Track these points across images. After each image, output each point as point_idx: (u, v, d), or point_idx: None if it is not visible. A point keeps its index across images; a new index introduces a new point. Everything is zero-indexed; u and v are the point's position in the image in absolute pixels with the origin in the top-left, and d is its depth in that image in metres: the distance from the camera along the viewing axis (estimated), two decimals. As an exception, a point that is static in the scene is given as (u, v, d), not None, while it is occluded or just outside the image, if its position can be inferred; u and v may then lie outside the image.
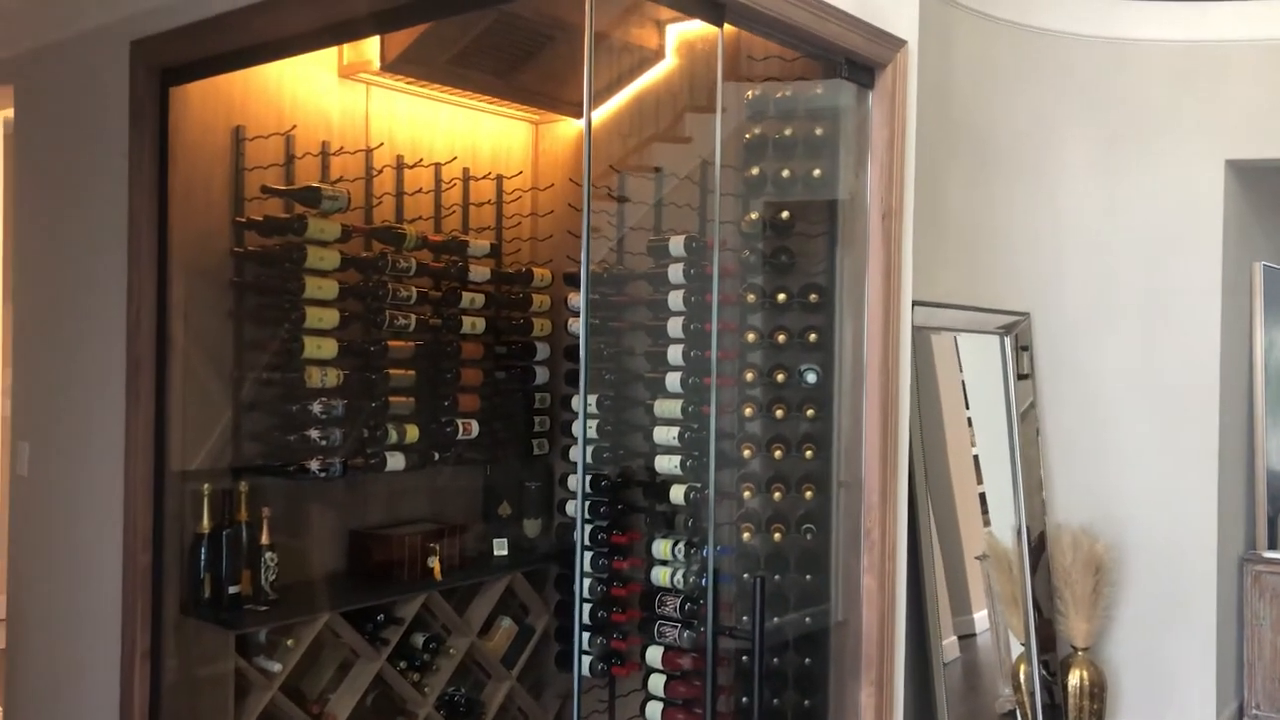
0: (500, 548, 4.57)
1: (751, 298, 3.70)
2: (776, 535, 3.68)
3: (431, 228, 4.36)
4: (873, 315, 3.44)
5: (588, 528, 4.40)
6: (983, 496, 5.58)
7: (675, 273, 4.12)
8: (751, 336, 3.71)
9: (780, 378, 3.70)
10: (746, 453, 3.70)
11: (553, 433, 4.69)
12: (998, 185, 5.26)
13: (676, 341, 4.12)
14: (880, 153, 3.44)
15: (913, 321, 3.81)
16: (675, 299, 4.12)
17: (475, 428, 4.33)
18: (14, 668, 4.20)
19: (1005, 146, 5.29)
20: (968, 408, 5.17)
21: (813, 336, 3.67)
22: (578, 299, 4.43)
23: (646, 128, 4.43)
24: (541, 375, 4.64)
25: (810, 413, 3.67)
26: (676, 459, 4.09)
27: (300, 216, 3.75)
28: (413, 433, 4.10)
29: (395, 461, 4.04)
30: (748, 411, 3.68)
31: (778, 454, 3.66)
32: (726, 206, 4.16)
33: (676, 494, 4.09)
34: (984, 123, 5.17)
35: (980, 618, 5.52)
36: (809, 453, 3.66)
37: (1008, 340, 5.15)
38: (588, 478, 4.42)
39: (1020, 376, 5.19)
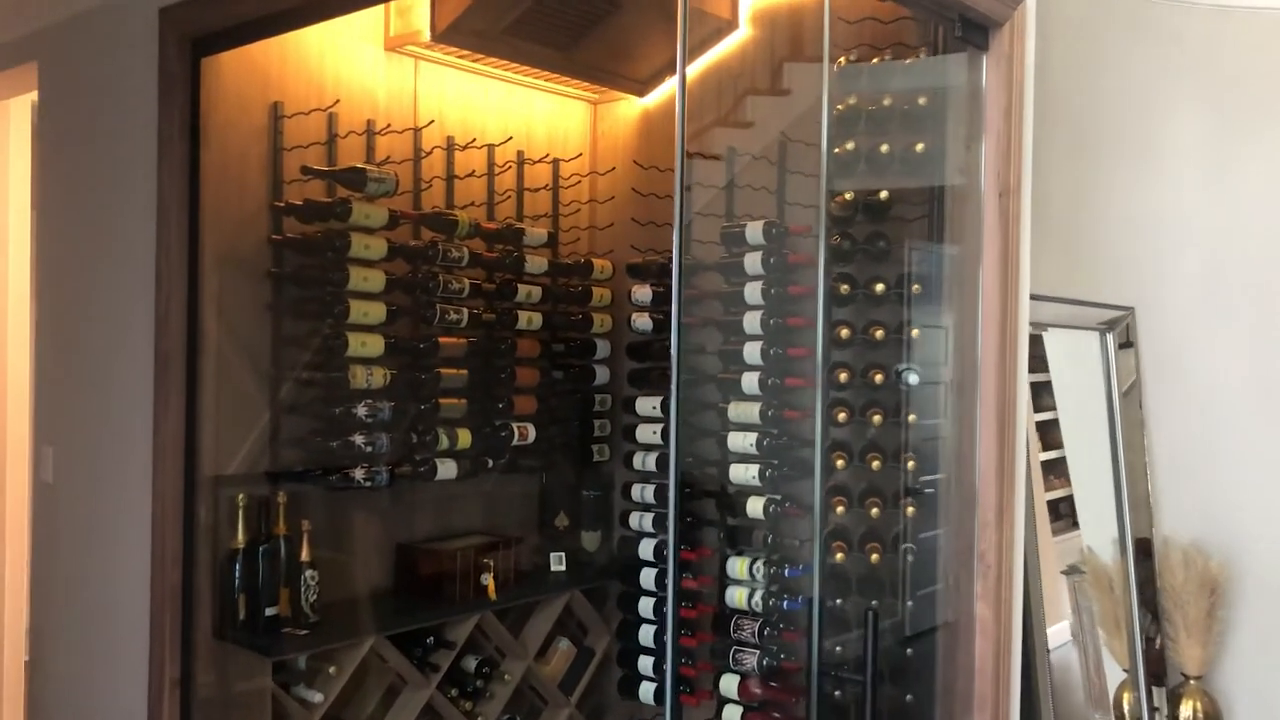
0: (557, 562, 4.21)
1: (845, 288, 3.31)
2: (874, 556, 3.28)
3: (484, 215, 4.01)
4: (987, 308, 3.03)
5: (650, 542, 4.04)
6: (1053, 505, 5.14)
7: (752, 262, 3.73)
8: (845, 332, 3.31)
9: (877, 378, 3.31)
10: (839, 462, 3.31)
11: (613, 438, 4.32)
12: (1099, 167, 4.81)
13: (754, 338, 3.74)
14: (996, 122, 3.03)
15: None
16: (752, 291, 3.74)
17: (531, 432, 3.97)
18: (38, 686, 3.90)
19: (1106, 124, 4.84)
20: (1047, 409, 4.75)
21: (915, 332, 3.27)
22: (643, 292, 4.06)
23: (721, 102, 4.05)
24: (601, 375, 4.27)
25: (912, 418, 3.27)
26: (754, 468, 3.71)
27: (344, 200, 3.41)
28: (465, 438, 3.75)
29: (446, 469, 3.69)
30: (841, 416, 3.29)
31: (875, 464, 3.26)
32: (808, 188, 3.78)
33: (754, 507, 3.71)
34: (1083, 97, 4.73)
35: (1055, 632, 5.08)
36: (910, 463, 3.26)
37: (1110, 337, 4.71)
38: (652, 488, 4.05)
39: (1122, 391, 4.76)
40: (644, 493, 4.06)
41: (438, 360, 3.68)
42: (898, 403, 3.34)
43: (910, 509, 3.27)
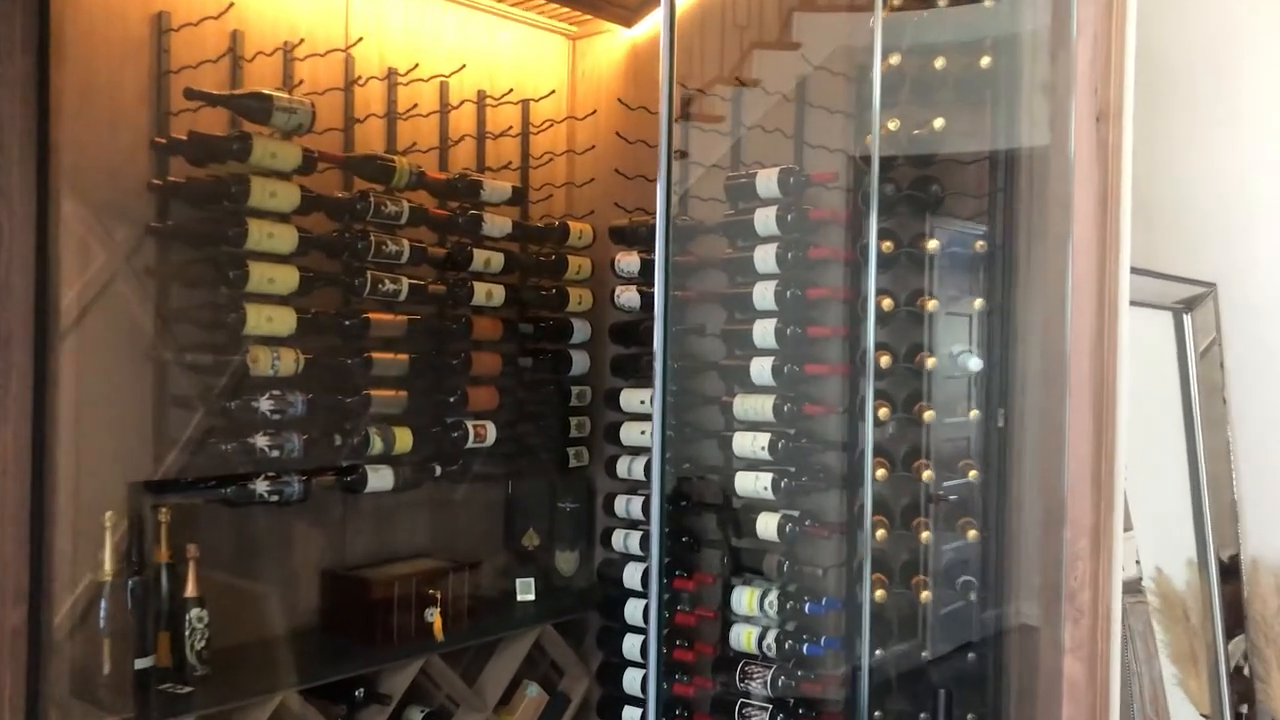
0: (525, 590, 3.46)
1: (888, 246, 2.56)
2: (923, 594, 2.54)
3: (435, 163, 3.25)
4: (1080, 272, 2.29)
5: (637, 567, 3.29)
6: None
7: (764, 220, 2.99)
8: (887, 303, 2.56)
9: (929, 363, 2.56)
10: (879, 472, 2.56)
11: (594, 439, 3.57)
12: (1174, 120, 4.03)
13: (766, 315, 3.00)
14: (1091, 23, 2.29)
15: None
16: (764, 256, 2.99)
17: (491, 432, 3.22)
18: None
19: (1182, 70, 4.05)
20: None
21: (977, 304, 2.52)
22: (629, 260, 3.31)
23: (725, 55, 3.31)
24: (579, 363, 3.52)
25: (973, 415, 2.52)
26: (765, 478, 2.96)
27: (243, 134, 2.66)
28: (404, 439, 2.99)
29: (379, 478, 2.94)
30: (882, 413, 2.54)
31: (925, 475, 2.51)
32: (834, 128, 3.03)
33: (765, 525, 2.97)
34: (1155, 39, 3.94)
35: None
36: (971, 473, 2.52)
37: (1188, 319, 3.95)
38: (640, 500, 3.30)
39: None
40: (630, 506, 3.31)
41: (369, 342, 2.93)
42: (953, 396, 2.59)
43: (971, 532, 2.53)
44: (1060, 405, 2.30)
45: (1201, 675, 4.09)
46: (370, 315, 2.92)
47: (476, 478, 3.28)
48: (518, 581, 3.46)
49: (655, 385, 1.44)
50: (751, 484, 3.01)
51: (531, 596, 3.45)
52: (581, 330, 3.50)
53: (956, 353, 2.60)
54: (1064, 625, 2.32)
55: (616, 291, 3.33)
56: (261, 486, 2.69)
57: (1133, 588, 4.28)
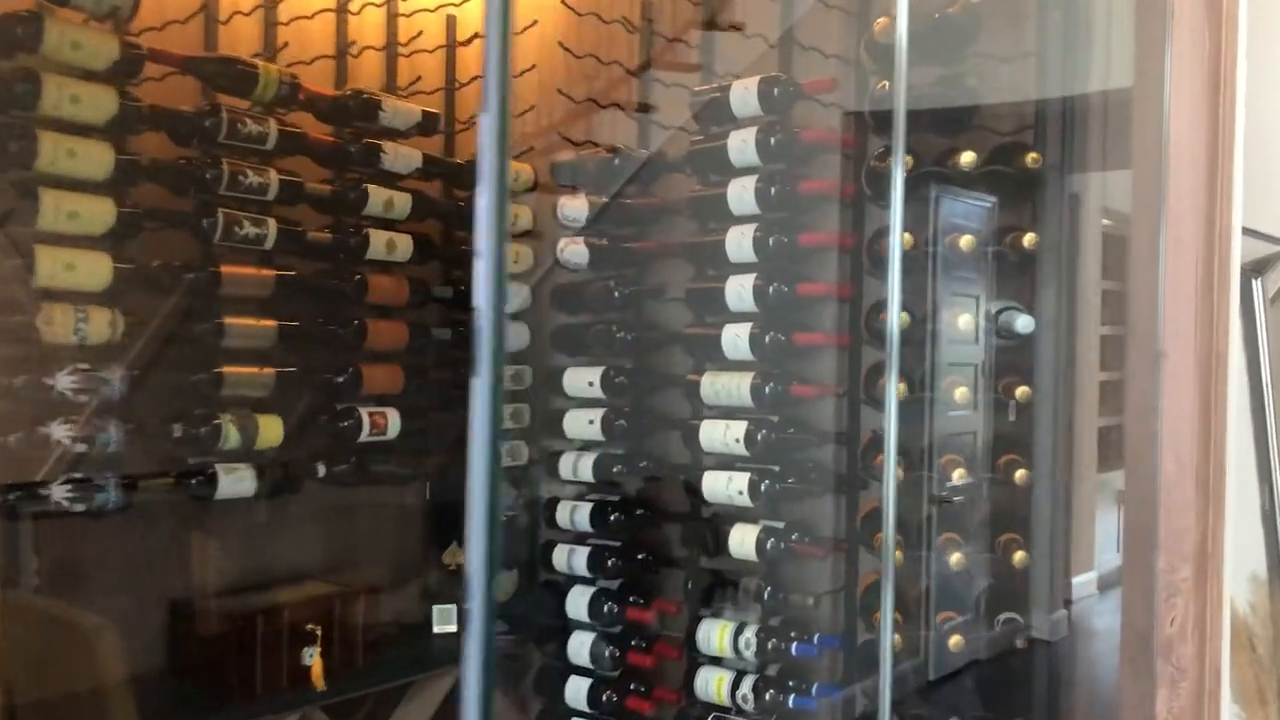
0: (445, 620, 2.78)
1: (908, 160, 1.86)
2: (952, 639, 1.85)
3: (321, 77, 2.56)
4: (1180, 231, 1.60)
5: (584, 592, 2.60)
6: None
7: (741, 147, 2.30)
8: (907, 237, 1.87)
9: (960, 323, 1.87)
10: (900, 472, 1.87)
11: (534, 430, 2.87)
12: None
13: (743, 269, 2.31)
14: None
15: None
16: (740, 194, 2.30)
17: (394, 421, 2.53)
18: None
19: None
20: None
21: (1026, 240, 1.84)
22: (575, 205, 2.62)
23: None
24: (517, 336, 2.83)
25: (1019, 393, 1.83)
26: (740, 479, 2.29)
27: (32, 14, 1.97)
28: (271, 430, 2.30)
29: (236, 482, 2.25)
30: (899, 391, 1.85)
31: (957, 474, 1.83)
32: (829, 25, 2.35)
33: (741, 540, 2.30)
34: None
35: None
36: (1018, 473, 1.83)
37: (1258, 285, 3.27)
38: (587, 508, 2.62)
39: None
40: (575, 516, 2.62)
41: (219, 303, 2.24)
42: (997, 371, 1.91)
43: (1016, 553, 1.83)
44: (1148, 389, 1.61)
45: (1271, 717, 3.37)
46: (222, 267, 2.23)
47: (380, 479, 2.59)
48: (436, 609, 2.77)
49: (479, 378, 0.73)
50: (723, 487, 2.32)
51: (453, 628, 2.77)
52: (518, 295, 2.81)
53: (1000, 311, 1.91)
54: (1157, 682, 1.63)
55: (560, 245, 2.64)
56: (60, 492, 2.00)
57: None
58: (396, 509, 2.83)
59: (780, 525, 2.31)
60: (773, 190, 2.26)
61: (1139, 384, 1.60)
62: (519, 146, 2.88)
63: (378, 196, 2.49)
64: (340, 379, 2.46)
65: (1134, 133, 1.68)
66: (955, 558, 1.79)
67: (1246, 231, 3.12)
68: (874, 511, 2.03)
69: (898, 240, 1.51)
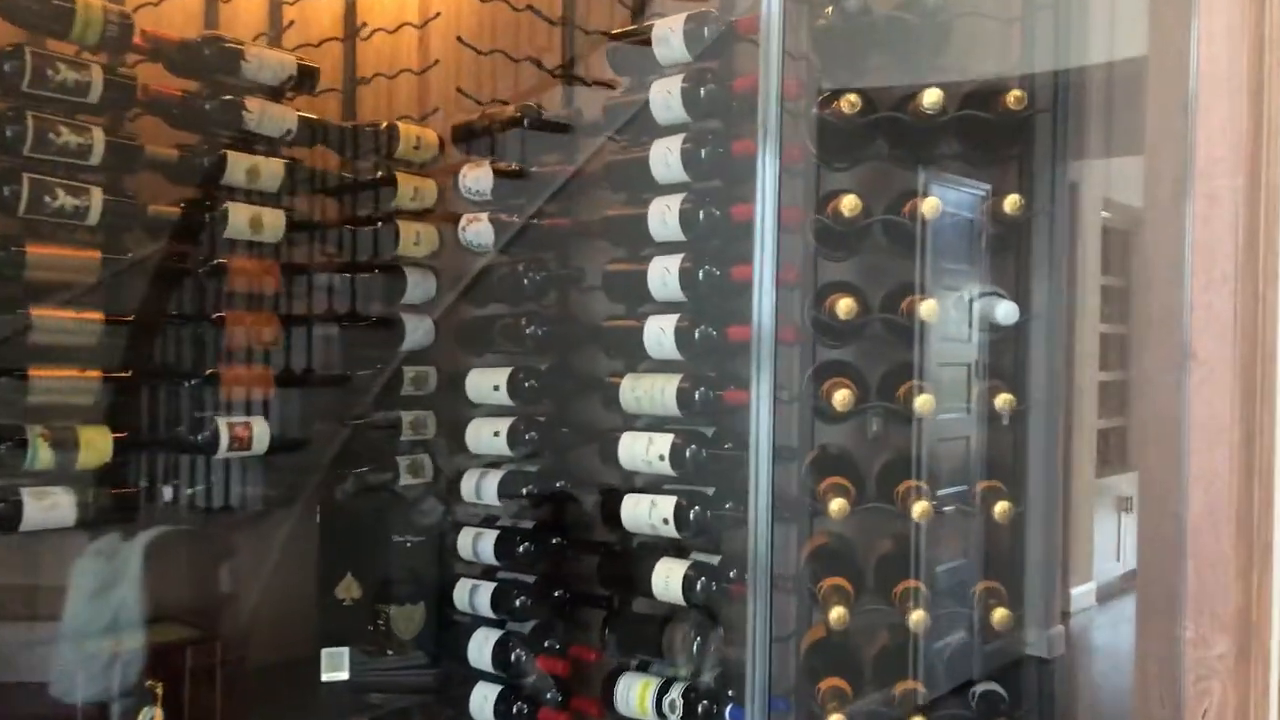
0: (335, 666, 2.36)
1: (850, 102, 1.44)
2: (914, 723, 1.43)
3: (195, 22, 2.15)
4: (1213, 207, 1.19)
5: (489, 635, 2.19)
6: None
7: (664, 99, 1.89)
8: (849, 205, 1.46)
9: (923, 311, 1.46)
10: (833, 504, 1.45)
11: (440, 443, 2.46)
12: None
13: (669, 249, 1.91)
14: None
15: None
16: (664, 157, 1.89)
17: (260, 433, 2.12)
18: None
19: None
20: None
21: (1009, 204, 1.42)
22: (478, 175, 2.20)
23: None
24: (418, 331, 2.41)
25: (1001, 401, 1.42)
26: (665, 505, 1.88)
27: None
28: (96, 446, 1.89)
29: (46, 510, 1.84)
30: (839, 398, 1.44)
31: (917, 509, 1.41)
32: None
33: (666, 578, 1.89)
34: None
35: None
36: (999, 506, 1.41)
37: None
38: (492, 537, 2.21)
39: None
40: (479, 546, 2.20)
41: (19, 290, 1.83)
42: (975, 373, 1.50)
43: (996, 610, 1.42)
44: (1168, 401, 1.19)
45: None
46: (29, 247, 1.82)
47: (242, 504, 2.18)
48: (325, 654, 2.36)
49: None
50: (645, 514, 1.91)
51: (344, 675, 2.36)
52: (420, 283, 2.40)
53: (975, 296, 1.50)
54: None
55: (462, 223, 2.22)
56: None
57: None
58: (281, 538, 2.43)
59: (714, 561, 1.91)
60: (702, 152, 1.84)
61: (1155, 395, 1.19)
62: (423, 110, 2.47)
63: (237, 164, 2.08)
64: (191, 383, 2.05)
65: (1151, 62, 1.27)
66: (916, 616, 1.38)
67: None
68: (822, 549, 1.61)
69: (772, 210, 1.08)
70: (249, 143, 2.12)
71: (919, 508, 1.38)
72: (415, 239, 2.38)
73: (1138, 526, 1.21)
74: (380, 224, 2.36)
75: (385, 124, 2.37)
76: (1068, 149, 1.71)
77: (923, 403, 1.38)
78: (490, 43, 2.30)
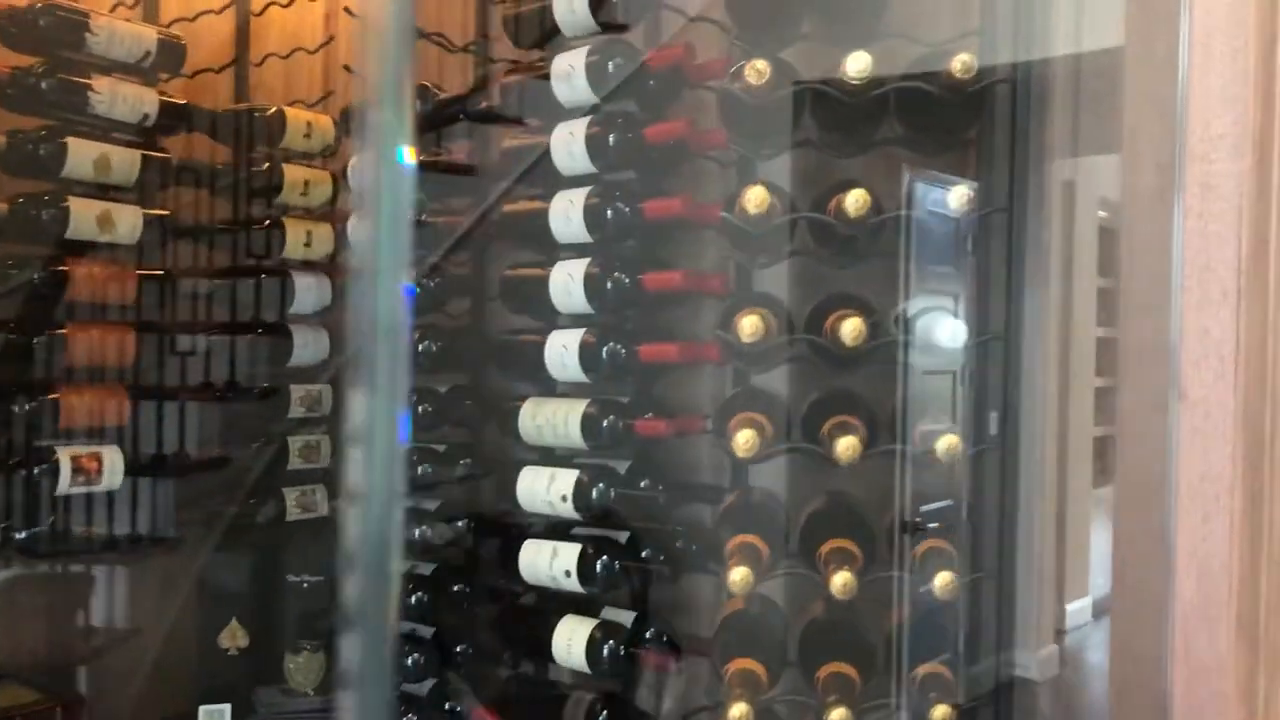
0: (215, 725, 2.08)
1: (764, 69, 1.15)
2: None
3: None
4: (1215, 159, 0.90)
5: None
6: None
7: (568, 74, 1.60)
8: (756, 199, 1.17)
9: (847, 332, 1.17)
10: (739, 571, 1.16)
11: (338, 471, 2.16)
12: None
13: (573, 252, 1.63)
14: None
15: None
16: (567, 143, 1.61)
17: (113, 465, 1.83)
18: None
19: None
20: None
21: (956, 197, 1.13)
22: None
23: None
24: (310, 346, 2.13)
25: (945, 445, 1.13)
26: (569, 553, 1.59)
27: None
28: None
29: None
30: (742, 439, 1.15)
31: (839, 580, 1.12)
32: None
33: (568, 641, 1.60)
34: None
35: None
36: (942, 580, 1.12)
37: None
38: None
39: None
40: (367, 592, 1.92)
41: None
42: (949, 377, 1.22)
43: (937, 711, 1.13)
44: (1153, 453, 0.90)
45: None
46: None
47: (89, 548, 1.89)
48: (203, 711, 2.07)
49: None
50: (546, 564, 1.62)
51: (230, 742, 2.07)
52: (313, 291, 2.11)
53: (913, 314, 1.22)
54: None
55: (350, 221, 1.93)
56: None
57: None
58: (157, 578, 2.15)
59: (625, 620, 1.62)
60: (611, 137, 1.56)
61: (1136, 447, 0.91)
62: (317, 93, 2.19)
63: (80, 153, 1.79)
64: (24, 407, 1.76)
65: (1128, 12, 0.98)
66: (838, 715, 1.09)
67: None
68: (738, 615, 1.33)
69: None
70: (94, 128, 1.83)
71: (839, 580, 1.09)
72: (305, 239, 2.09)
73: (1111, 624, 0.92)
74: (269, 221, 2.07)
75: (272, 109, 2.09)
76: (1044, 134, 1.43)
77: (845, 446, 1.09)
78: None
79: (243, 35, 2.21)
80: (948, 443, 1.09)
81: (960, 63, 1.07)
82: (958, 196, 1.06)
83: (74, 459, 1.80)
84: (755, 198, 1.13)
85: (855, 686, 1.16)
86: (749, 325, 1.10)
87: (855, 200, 1.10)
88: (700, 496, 1.61)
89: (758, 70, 1.11)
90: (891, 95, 1.22)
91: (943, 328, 1.14)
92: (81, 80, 1.79)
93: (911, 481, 1.34)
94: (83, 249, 1.82)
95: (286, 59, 2.18)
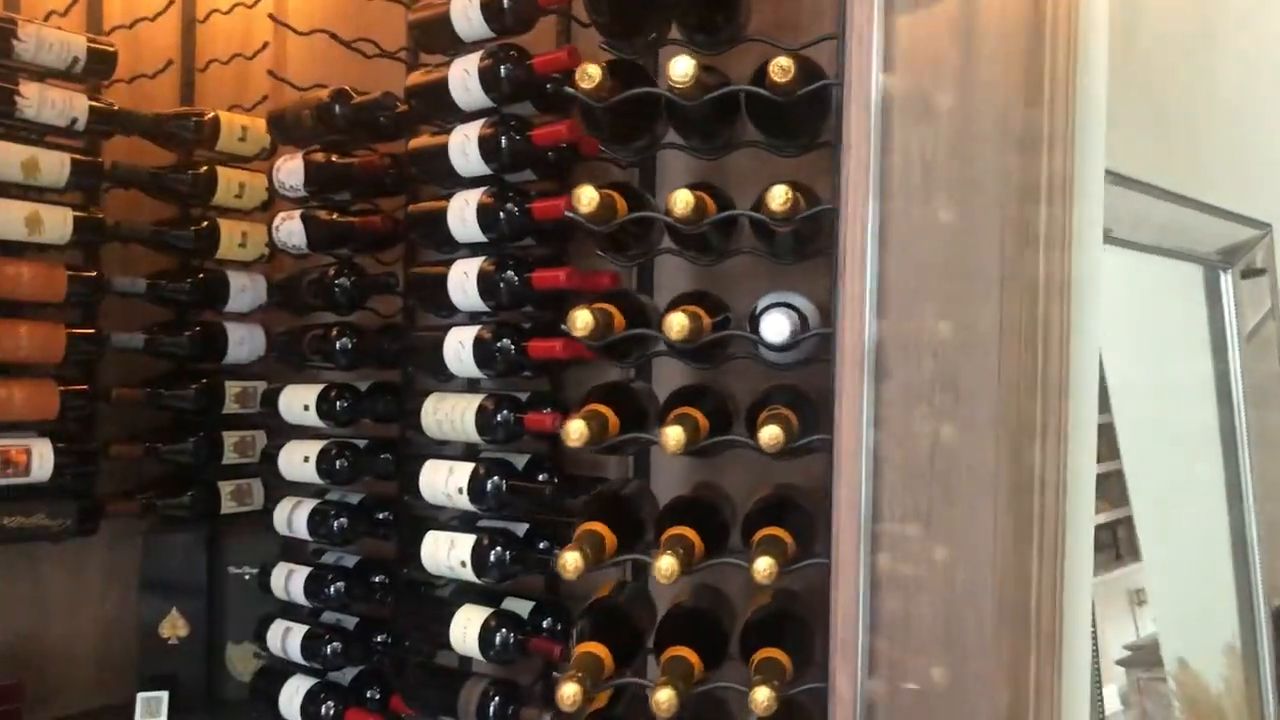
0: (152, 712, 2.13)
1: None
2: None
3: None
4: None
5: (301, 686, 1.95)
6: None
7: (463, 79, 1.65)
8: (589, 194, 1.20)
9: (672, 330, 1.20)
10: (572, 559, 1.20)
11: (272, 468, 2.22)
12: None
13: (470, 248, 1.68)
14: None
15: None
16: (462, 146, 1.66)
17: (41, 457, 1.90)
18: None
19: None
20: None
21: (776, 200, 1.16)
22: (291, 168, 1.96)
23: None
24: (246, 343, 2.19)
25: (764, 435, 1.16)
26: (465, 544, 1.65)
27: None
28: None
29: None
30: (573, 431, 1.19)
31: (665, 569, 1.16)
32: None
33: (465, 629, 1.66)
34: None
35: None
36: (767, 566, 1.15)
37: (1228, 276, 2.56)
38: (301, 575, 1.98)
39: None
40: (290, 583, 1.98)
41: None
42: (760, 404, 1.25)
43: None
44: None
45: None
46: None
47: (18, 536, 1.95)
48: (140, 699, 2.13)
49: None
50: (444, 554, 1.67)
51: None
52: (248, 289, 2.17)
53: (763, 309, 1.25)
54: None
55: (276, 221, 1.99)
56: None
57: (1147, 664, 2.72)
58: (101, 567, 2.21)
59: (523, 609, 1.66)
60: (504, 140, 1.60)
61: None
62: (251, 96, 2.24)
63: (10, 157, 1.86)
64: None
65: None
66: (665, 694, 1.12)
67: (1209, 209, 2.39)
68: (600, 604, 1.36)
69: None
70: (36, 133, 1.90)
71: (666, 564, 1.12)
72: (240, 240, 2.15)
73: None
74: (205, 224, 2.13)
75: (210, 113, 2.15)
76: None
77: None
78: (347, 27, 2.04)
79: (189, 40, 2.28)
80: (769, 435, 1.12)
81: (777, 67, 1.10)
82: (775, 197, 1.09)
83: (1, 450, 1.86)
84: (585, 196, 1.17)
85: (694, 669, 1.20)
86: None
87: (684, 204, 1.13)
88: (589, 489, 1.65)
89: (588, 75, 1.15)
90: (741, 98, 1.25)
91: (768, 327, 1.16)
92: (7, 85, 1.86)
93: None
94: (13, 249, 1.89)
95: (227, 64, 2.24)
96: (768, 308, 1.22)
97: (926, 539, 0.91)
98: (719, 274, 1.58)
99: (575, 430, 1.17)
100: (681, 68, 1.11)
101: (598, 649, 1.22)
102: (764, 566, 1.13)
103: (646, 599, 1.43)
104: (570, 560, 1.15)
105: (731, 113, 1.30)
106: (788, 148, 1.34)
